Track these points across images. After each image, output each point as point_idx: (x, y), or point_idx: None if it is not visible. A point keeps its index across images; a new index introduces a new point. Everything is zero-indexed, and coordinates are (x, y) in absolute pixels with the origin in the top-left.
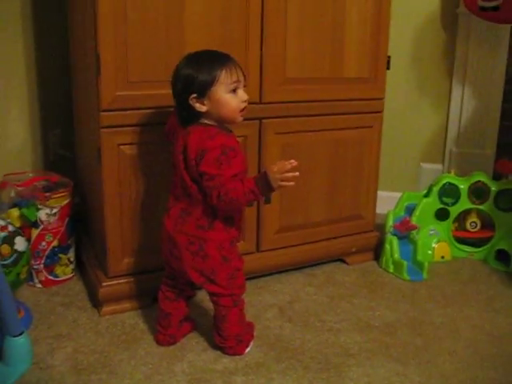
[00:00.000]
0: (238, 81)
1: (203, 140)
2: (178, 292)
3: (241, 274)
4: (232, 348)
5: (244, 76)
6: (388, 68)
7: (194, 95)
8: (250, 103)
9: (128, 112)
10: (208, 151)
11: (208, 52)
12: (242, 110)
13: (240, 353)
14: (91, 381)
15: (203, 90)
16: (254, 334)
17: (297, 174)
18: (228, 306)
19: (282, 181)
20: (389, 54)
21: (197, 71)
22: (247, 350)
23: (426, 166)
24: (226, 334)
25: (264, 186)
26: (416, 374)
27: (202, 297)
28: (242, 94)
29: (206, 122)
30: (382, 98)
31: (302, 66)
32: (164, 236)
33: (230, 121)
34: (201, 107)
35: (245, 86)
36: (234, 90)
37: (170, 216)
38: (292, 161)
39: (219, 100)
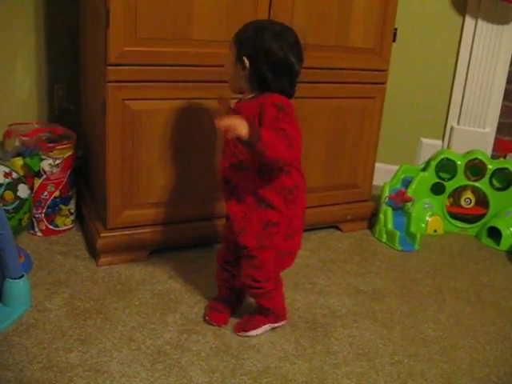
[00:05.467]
0: None
1: None
2: None
3: None
4: None
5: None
6: (394, 40)
7: None
8: None
9: (134, 68)
10: None
11: None
12: None
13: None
14: (87, 325)
15: None
16: None
17: None
18: None
19: None
20: (396, 26)
21: None
22: None
23: (426, 141)
24: None
25: None
26: (399, 338)
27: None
28: None
29: None
30: (386, 70)
31: (308, 33)
32: None
33: None
34: None
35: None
36: None
37: None
38: None
39: None
